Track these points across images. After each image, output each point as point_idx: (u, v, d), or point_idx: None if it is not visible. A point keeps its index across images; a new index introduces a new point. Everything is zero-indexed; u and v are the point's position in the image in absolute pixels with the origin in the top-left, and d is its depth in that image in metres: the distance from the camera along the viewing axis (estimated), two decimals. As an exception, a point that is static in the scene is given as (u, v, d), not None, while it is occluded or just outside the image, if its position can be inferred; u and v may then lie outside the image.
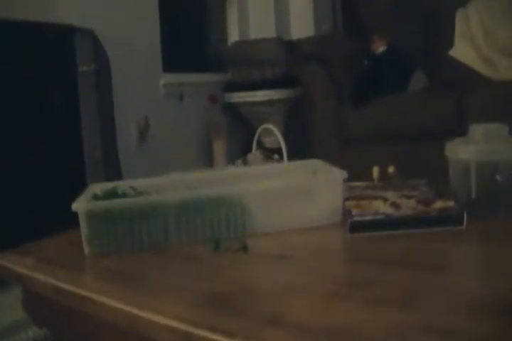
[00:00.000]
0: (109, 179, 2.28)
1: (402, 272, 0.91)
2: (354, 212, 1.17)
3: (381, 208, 1.19)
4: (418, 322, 0.70)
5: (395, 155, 2.84)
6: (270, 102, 3.59)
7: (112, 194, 1.28)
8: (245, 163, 1.83)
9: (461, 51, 3.56)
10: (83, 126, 2.46)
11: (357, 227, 1.14)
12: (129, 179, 1.44)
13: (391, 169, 1.61)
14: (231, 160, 2.88)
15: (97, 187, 1.32)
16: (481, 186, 1.21)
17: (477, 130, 1.26)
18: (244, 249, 1.06)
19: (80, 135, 2.46)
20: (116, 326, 0.88)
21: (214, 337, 0.72)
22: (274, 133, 1.87)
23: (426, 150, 2.73)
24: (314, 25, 4.15)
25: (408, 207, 1.18)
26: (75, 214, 1.14)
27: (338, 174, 1.24)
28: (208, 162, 3.64)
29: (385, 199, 1.24)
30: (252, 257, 1.05)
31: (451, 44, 3.59)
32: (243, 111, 3.74)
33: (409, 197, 1.25)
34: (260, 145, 2.71)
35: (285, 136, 1.91)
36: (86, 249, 1.14)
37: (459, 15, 3.58)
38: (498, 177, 1.20)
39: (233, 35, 4.16)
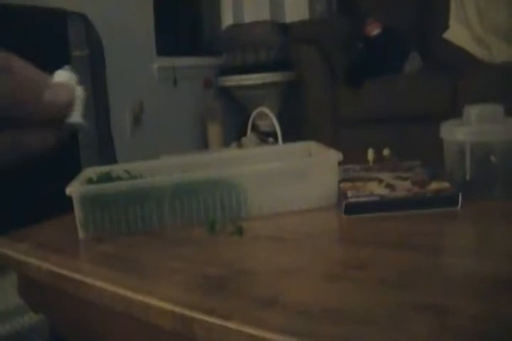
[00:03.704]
0: (103, 163, 2.28)
1: (398, 253, 0.91)
2: (349, 193, 1.17)
3: (376, 190, 1.19)
4: (416, 303, 0.70)
5: (389, 137, 2.84)
6: (265, 85, 3.58)
7: (106, 178, 1.27)
8: (240, 146, 1.83)
9: (456, 33, 3.55)
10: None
11: (352, 209, 1.14)
12: (124, 163, 1.44)
13: (386, 151, 1.61)
14: (226, 143, 2.88)
15: (92, 171, 1.32)
16: (476, 167, 1.21)
17: (472, 111, 1.25)
18: (240, 231, 1.06)
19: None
20: (112, 310, 0.88)
21: (210, 319, 0.72)
22: (268, 117, 1.86)
23: (420, 132, 2.74)
24: (309, 8, 4.13)
25: (403, 188, 1.18)
26: (70, 199, 1.14)
27: (334, 155, 1.24)
28: (203, 145, 3.64)
29: (380, 181, 1.24)
30: (247, 240, 1.05)
31: (445, 26, 3.57)
32: (238, 95, 3.74)
33: (404, 179, 1.24)
34: (255, 128, 2.71)
35: (280, 119, 1.90)
36: (80, 233, 1.14)
37: (454, -2, 3.57)
38: (492, 158, 1.20)
39: (227, 19, 4.14)
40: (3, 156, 0.48)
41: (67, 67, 0.54)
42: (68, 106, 0.51)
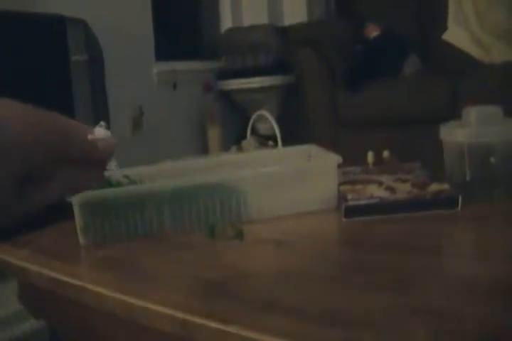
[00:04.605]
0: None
1: (399, 255, 0.91)
2: (349, 196, 1.17)
3: (376, 192, 1.18)
4: (415, 306, 0.70)
5: (389, 139, 2.84)
6: (264, 89, 3.58)
7: (105, 183, 1.27)
8: (240, 149, 1.83)
9: (455, 35, 3.55)
10: (77, 116, 2.45)
11: (352, 211, 1.13)
12: (123, 168, 1.43)
13: (385, 154, 1.60)
14: (226, 147, 2.88)
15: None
16: (476, 168, 1.20)
17: (471, 113, 1.25)
18: (240, 235, 1.06)
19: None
20: (113, 315, 0.88)
21: (210, 323, 0.72)
22: (268, 120, 1.86)
23: (420, 134, 2.74)
24: (307, 10, 4.13)
25: (403, 190, 1.18)
26: (70, 205, 1.14)
27: (333, 158, 1.24)
28: (203, 149, 3.64)
29: (380, 184, 1.24)
30: (247, 243, 1.04)
31: (444, 28, 3.58)
32: (237, 98, 3.74)
33: (404, 181, 1.24)
34: (255, 131, 2.70)
35: (279, 122, 1.90)
36: (81, 240, 1.14)
37: (452, -1, 3.58)
38: (492, 160, 1.20)
39: (226, 22, 4.14)
40: (62, 194, 0.51)
41: (102, 123, 0.57)
42: (110, 151, 0.53)
